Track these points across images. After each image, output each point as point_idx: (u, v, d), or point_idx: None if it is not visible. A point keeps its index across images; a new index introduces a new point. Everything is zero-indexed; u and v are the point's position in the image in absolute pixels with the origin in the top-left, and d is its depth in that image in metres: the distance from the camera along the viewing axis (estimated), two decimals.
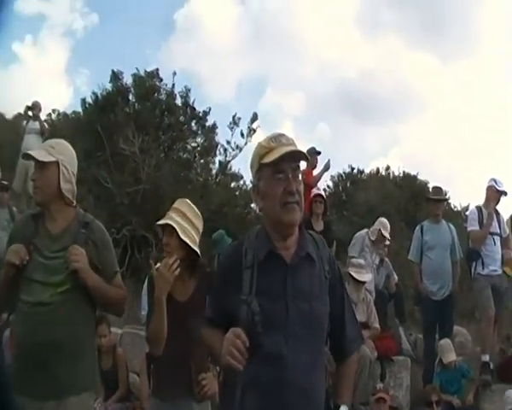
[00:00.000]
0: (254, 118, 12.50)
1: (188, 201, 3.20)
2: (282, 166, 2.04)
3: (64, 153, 2.91)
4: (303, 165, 2.51)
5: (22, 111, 9.91)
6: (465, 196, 31.71)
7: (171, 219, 3.02)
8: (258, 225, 2.24)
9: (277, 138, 2.09)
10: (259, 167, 2.11)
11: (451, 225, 7.00)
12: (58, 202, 2.89)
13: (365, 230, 7.48)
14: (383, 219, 7.45)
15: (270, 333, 2.00)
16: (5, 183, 7.52)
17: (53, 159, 2.84)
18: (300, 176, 2.14)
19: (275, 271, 2.06)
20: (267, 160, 2.05)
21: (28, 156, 2.91)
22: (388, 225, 7.38)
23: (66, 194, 2.90)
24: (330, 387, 2.30)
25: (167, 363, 2.96)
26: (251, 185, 2.22)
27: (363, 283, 6.41)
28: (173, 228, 3.00)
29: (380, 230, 7.26)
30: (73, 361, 2.77)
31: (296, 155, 2.09)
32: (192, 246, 3.06)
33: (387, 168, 17.53)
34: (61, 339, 2.72)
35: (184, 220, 3.07)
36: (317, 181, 8.48)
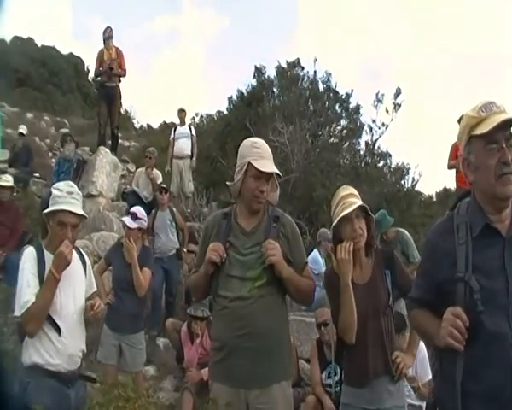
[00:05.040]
0: (398, 92, 12.14)
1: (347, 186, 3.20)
2: (496, 136, 1.94)
3: None
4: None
5: (172, 119, 10.55)
6: None
7: (355, 203, 2.99)
8: (468, 198, 2.13)
9: (488, 107, 1.98)
10: (469, 140, 2.02)
11: None
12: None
13: None
14: None
15: (490, 311, 1.90)
16: (164, 186, 8.00)
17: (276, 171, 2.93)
18: None
19: (491, 246, 1.97)
20: (479, 131, 1.96)
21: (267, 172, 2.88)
22: None
23: (271, 199, 3.03)
24: None
25: (361, 348, 2.95)
26: (461, 159, 2.11)
27: None
28: (361, 209, 2.99)
29: None
30: (273, 351, 2.87)
31: (511, 123, 1.97)
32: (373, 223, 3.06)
33: None
34: (261, 331, 2.82)
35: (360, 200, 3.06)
36: None
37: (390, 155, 12.89)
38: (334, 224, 3.03)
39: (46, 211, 3.09)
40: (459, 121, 2.21)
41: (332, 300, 3.07)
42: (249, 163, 2.87)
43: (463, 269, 1.95)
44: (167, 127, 15.56)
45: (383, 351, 2.98)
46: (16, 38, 23.52)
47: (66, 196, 3.05)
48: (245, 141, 3.04)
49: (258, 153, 2.90)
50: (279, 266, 2.83)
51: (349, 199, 3.03)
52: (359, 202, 3.01)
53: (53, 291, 2.97)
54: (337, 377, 4.66)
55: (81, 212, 3.09)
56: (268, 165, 2.88)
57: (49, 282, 2.96)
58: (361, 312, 2.91)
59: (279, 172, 2.94)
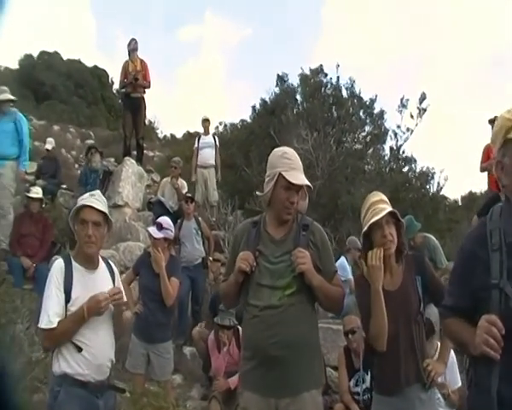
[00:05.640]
0: (423, 97, 12.07)
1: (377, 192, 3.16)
2: None
3: None
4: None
5: (196, 129, 10.62)
6: None
7: (385, 209, 2.96)
8: (497, 204, 2.08)
9: None
10: (504, 142, 1.98)
11: None
12: None
13: None
14: None
15: None
16: (190, 195, 8.05)
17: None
18: None
19: None
20: None
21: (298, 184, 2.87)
22: None
23: (300, 208, 3.04)
24: None
25: (393, 356, 2.89)
26: (494, 161, 2.07)
27: None
28: (391, 215, 2.95)
29: None
30: (304, 359, 2.84)
31: None
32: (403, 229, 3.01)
33: None
34: (292, 339, 2.81)
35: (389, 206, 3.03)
36: None
37: (415, 160, 12.81)
38: (364, 230, 3.00)
39: (70, 214, 3.14)
40: (490, 122, 2.17)
41: (362, 307, 3.04)
42: (280, 174, 2.86)
43: (498, 276, 1.91)
44: (191, 137, 15.68)
45: (415, 358, 2.93)
46: (43, 53, 24.04)
47: (88, 197, 3.12)
48: (275, 150, 3.02)
49: (289, 164, 2.89)
50: (309, 274, 2.82)
51: (379, 205, 3.00)
52: (389, 208, 2.98)
53: (77, 327, 2.98)
54: (365, 385, 4.62)
55: (102, 208, 3.09)
56: (299, 177, 2.86)
57: (76, 317, 2.97)
58: (392, 319, 2.86)
59: (310, 185, 2.93)
